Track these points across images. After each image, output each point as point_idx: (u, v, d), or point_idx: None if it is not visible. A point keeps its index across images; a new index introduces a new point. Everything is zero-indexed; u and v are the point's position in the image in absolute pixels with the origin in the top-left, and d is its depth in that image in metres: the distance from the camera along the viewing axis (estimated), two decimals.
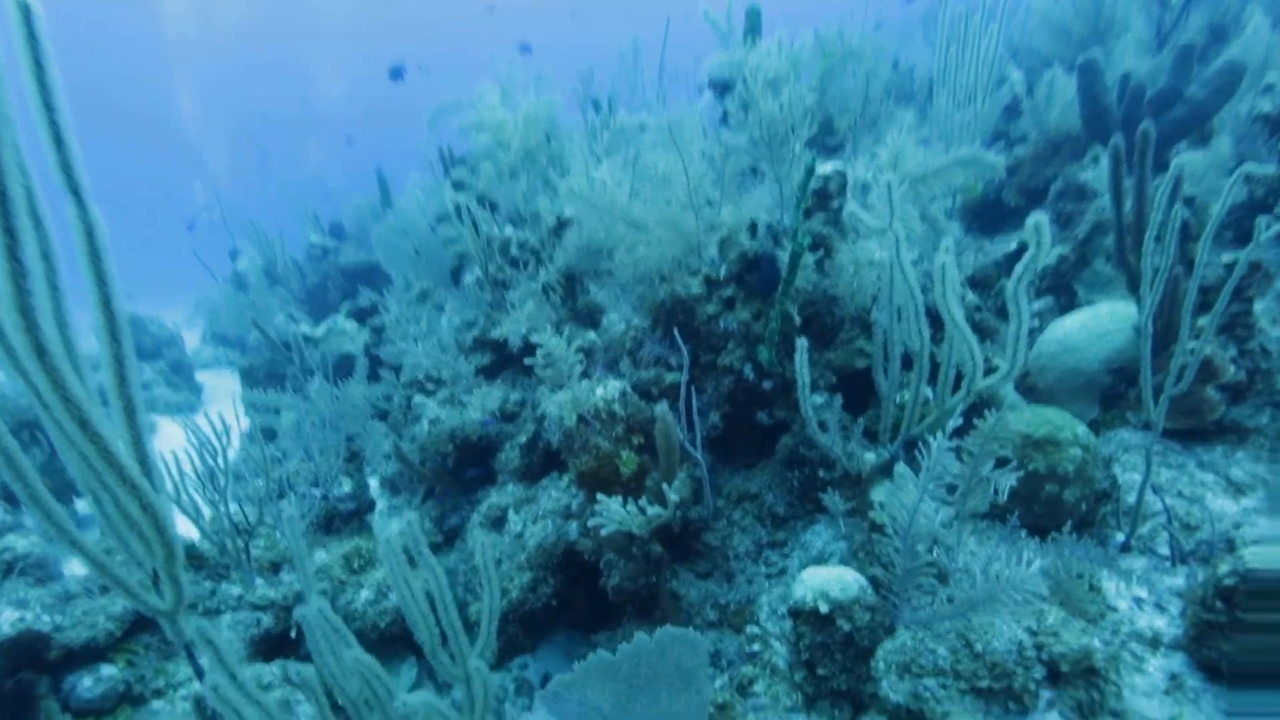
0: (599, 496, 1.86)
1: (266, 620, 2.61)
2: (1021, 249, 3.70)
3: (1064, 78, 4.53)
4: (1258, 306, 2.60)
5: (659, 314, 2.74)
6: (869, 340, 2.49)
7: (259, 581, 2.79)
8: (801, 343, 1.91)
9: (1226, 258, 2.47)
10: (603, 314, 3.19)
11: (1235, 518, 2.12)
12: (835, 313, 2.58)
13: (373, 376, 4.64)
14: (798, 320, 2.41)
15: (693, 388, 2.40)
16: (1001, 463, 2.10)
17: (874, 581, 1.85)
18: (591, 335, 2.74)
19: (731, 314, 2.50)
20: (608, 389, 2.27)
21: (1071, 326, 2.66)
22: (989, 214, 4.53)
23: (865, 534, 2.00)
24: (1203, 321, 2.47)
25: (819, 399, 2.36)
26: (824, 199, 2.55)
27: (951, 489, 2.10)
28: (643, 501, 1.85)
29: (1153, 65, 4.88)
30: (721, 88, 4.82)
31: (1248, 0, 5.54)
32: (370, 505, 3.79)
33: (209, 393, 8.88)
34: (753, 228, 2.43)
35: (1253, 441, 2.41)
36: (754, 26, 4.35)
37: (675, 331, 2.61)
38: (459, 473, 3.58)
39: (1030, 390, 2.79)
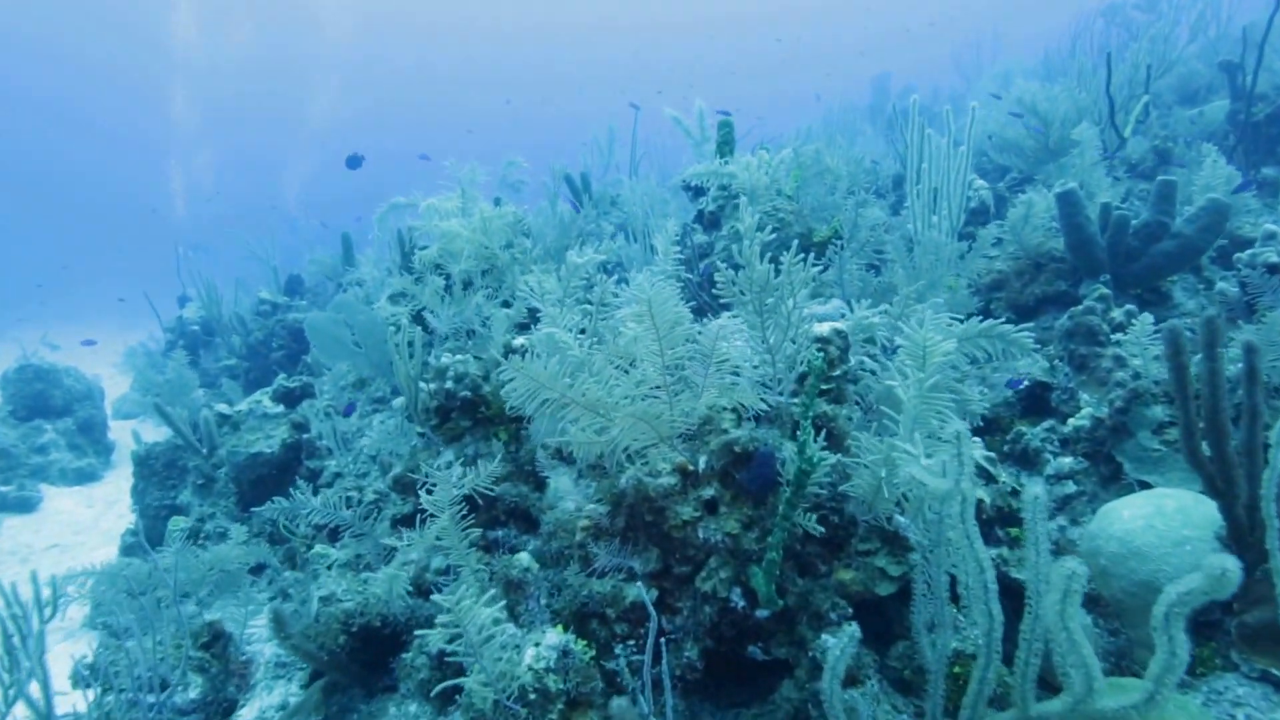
0: None
1: None
2: (1035, 385, 3.29)
3: (1040, 200, 4.41)
4: None
5: (619, 503, 2.11)
6: (893, 558, 1.90)
7: None
8: (842, 641, 1.29)
9: None
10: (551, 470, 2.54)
11: None
12: (845, 511, 2.01)
13: (274, 490, 3.80)
14: (818, 531, 1.80)
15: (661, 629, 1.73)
16: None
17: None
18: (524, 559, 2.06)
19: (714, 521, 1.88)
20: (540, 651, 1.58)
21: (1133, 524, 2.14)
22: None
23: None
24: None
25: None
26: (827, 367, 2.03)
27: None
28: None
29: (1114, 188, 4.96)
30: (695, 191, 4.52)
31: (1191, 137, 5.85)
32: (230, 706, 2.87)
33: (120, 452, 7.90)
34: (738, 413, 1.87)
35: None
36: (727, 139, 4.06)
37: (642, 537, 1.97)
38: (357, 658, 2.77)
39: (1092, 601, 2.22)
